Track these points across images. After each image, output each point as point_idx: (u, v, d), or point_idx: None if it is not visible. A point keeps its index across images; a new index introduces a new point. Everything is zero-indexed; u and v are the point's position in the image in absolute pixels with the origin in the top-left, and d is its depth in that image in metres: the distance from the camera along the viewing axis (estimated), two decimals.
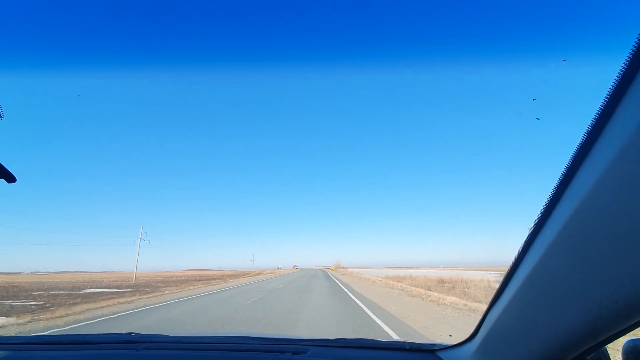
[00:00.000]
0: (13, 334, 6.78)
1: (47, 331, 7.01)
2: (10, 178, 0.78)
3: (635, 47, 0.49)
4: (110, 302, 12.58)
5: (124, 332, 1.53)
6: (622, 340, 0.74)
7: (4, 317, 8.92)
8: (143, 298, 14.51)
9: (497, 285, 0.93)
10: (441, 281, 24.69)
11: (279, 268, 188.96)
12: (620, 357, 0.75)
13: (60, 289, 21.86)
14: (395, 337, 5.85)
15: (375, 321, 7.61)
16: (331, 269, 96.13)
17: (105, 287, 24.69)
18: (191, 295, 15.57)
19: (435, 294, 14.18)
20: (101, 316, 9.20)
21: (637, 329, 0.59)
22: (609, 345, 0.69)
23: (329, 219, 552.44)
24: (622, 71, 0.50)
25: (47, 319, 8.78)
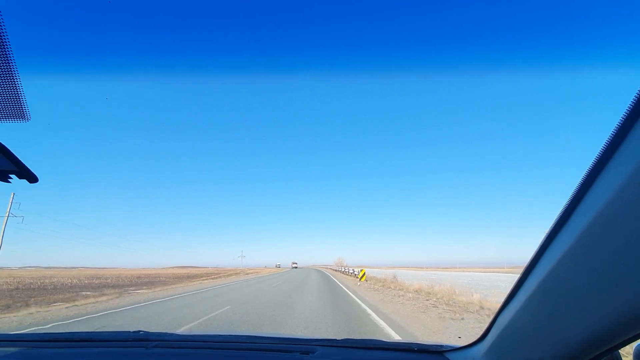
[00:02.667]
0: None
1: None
2: (32, 178, 0.78)
3: None
4: None
5: (132, 331, 1.51)
6: (634, 343, 0.73)
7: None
8: None
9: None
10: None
11: (278, 266, 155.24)
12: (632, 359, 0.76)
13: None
14: None
15: None
16: (328, 269, 68.58)
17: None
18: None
19: None
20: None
21: None
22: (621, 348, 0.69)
23: (330, 216, 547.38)
24: None
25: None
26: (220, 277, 37.53)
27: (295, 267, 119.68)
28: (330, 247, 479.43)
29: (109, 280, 28.95)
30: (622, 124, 0.54)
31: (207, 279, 30.54)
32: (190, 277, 36.30)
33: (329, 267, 74.02)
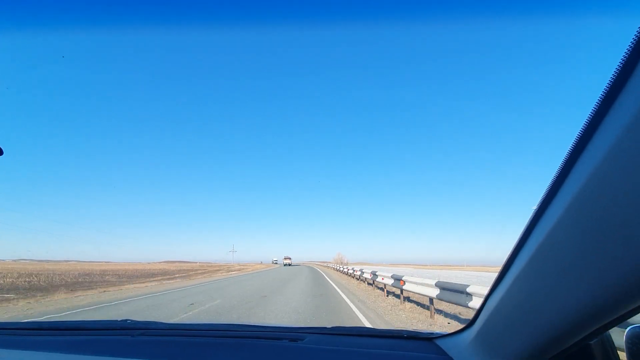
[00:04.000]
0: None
1: None
2: None
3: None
4: None
5: (119, 320, 1.45)
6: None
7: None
8: None
9: None
10: None
11: (275, 262, 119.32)
12: (624, 342, 0.75)
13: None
14: None
15: None
16: (327, 267, 52.59)
17: None
18: None
19: None
20: None
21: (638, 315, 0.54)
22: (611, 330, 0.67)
23: (329, 209, 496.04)
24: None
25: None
26: (197, 274, 31.07)
27: (289, 265, 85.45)
28: (329, 242, 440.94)
29: (54, 278, 22.49)
30: (605, 96, 0.54)
31: (175, 278, 24.80)
32: (160, 275, 29.90)
33: (327, 265, 56.84)
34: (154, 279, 25.13)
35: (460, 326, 1.24)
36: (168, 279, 25.08)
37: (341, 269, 32.06)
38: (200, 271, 39.48)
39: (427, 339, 1.35)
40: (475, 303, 5.58)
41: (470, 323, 1.14)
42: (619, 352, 0.89)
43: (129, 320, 1.47)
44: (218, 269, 51.98)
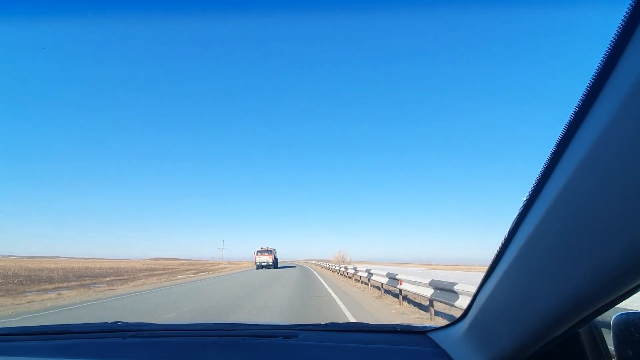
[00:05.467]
0: None
1: None
2: None
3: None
4: None
5: (109, 322, 1.41)
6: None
7: None
8: None
9: None
10: None
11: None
12: (610, 329, 0.78)
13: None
14: None
15: None
16: (325, 269, 35.66)
17: None
18: None
19: None
20: None
21: (623, 302, 0.60)
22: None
23: (328, 203, 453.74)
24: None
25: None
26: (153, 276, 24.71)
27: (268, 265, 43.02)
28: (330, 238, 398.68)
29: None
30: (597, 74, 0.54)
31: (129, 282, 20.09)
32: (125, 274, 27.02)
33: (327, 265, 38.24)
34: (120, 278, 22.20)
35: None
36: (145, 278, 22.51)
37: (335, 268, 26.68)
38: (177, 271, 32.60)
39: (420, 333, 1.37)
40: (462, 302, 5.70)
41: (462, 316, 1.16)
42: (606, 338, 0.90)
43: (120, 322, 1.44)
44: (189, 268, 43.74)
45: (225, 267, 49.35)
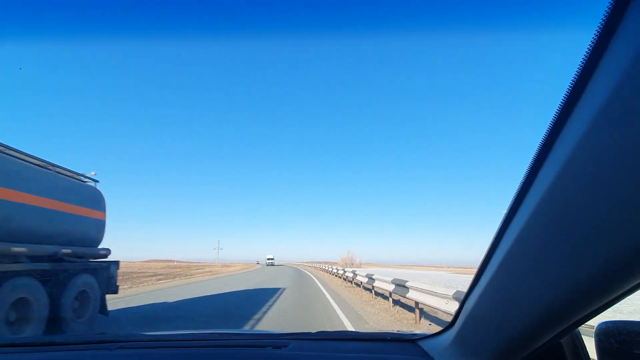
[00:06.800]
0: None
1: None
2: None
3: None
4: None
5: (97, 332, 1.37)
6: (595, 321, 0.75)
7: None
8: None
9: None
10: None
11: (270, 261, 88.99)
12: (593, 338, 0.79)
13: None
14: None
15: None
16: (328, 273, 27.41)
17: None
18: None
19: None
20: None
21: (605, 311, 0.59)
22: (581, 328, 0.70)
23: (335, 203, 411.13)
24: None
25: None
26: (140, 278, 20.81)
27: (272, 264, 69.59)
28: (336, 239, 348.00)
29: None
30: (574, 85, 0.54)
31: None
32: None
33: (325, 268, 34.18)
34: None
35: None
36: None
37: (332, 270, 23.44)
38: (158, 274, 26.29)
39: (410, 341, 1.37)
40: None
41: (451, 324, 1.16)
42: (588, 348, 0.91)
43: (107, 333, 1.42)
44: (186, 270, 36.47)
45: (214, 272, 34.85)
